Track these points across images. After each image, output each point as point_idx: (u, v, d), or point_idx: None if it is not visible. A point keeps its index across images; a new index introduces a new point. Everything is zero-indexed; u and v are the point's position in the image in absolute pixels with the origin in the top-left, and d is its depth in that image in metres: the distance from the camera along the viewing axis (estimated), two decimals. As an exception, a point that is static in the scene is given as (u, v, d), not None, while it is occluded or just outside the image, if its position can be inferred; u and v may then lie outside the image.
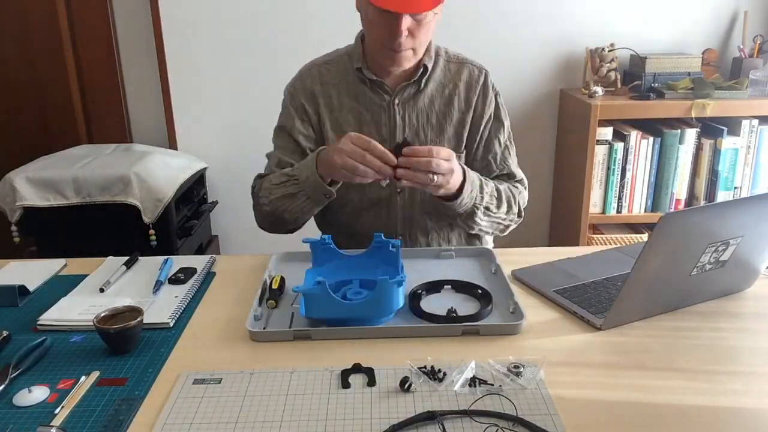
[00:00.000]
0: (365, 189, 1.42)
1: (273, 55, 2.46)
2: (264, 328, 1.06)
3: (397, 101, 1.41)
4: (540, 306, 1.14)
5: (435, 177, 1.20)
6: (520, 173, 1.51)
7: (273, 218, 1.40)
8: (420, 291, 1.16)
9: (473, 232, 1.44)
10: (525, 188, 1.51)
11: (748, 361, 0.96)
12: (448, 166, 1.21)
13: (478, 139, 1.46)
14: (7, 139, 2.56)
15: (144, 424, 0.84)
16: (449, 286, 1.20)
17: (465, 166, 1.32)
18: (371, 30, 1.34)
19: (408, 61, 1.34)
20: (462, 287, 1.19)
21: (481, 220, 1.37)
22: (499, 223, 1.43)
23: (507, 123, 1.49)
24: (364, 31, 1.39)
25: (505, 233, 1.48)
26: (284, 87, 1.50)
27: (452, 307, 1.10)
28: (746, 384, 0.90)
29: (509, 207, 1.42)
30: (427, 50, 1.40)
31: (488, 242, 1.58)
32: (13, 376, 0.94)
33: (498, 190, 1.39)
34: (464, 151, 1.46)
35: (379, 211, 1.45)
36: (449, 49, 1.49)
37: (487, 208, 1.37)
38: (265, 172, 1.47)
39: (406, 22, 1.25)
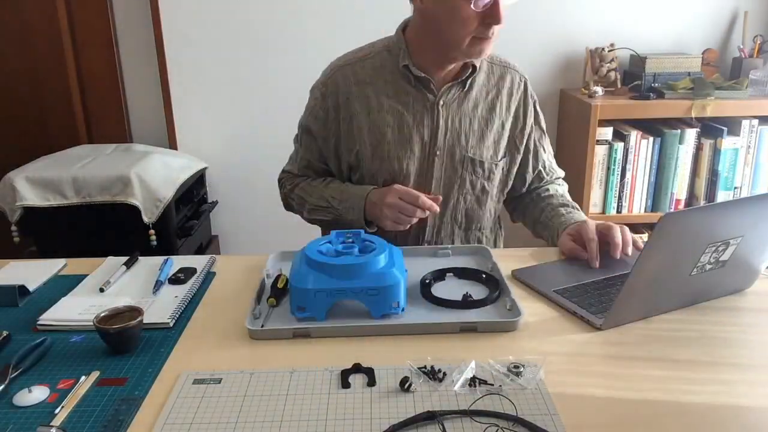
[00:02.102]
0: (396, 172, 1.41)
1: (273, 54, 2.46)
2: (262, 326, 1.05)
3: (441, 102, 1.37)
4: (540, 306, 1.14)
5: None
6: (560, 171, 1.57)
7: (302, 213, 1.49)
8: (429, 279, 1.18)
9: None
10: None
11: (748, 361, 0.96)
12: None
13: (523, 149, 1.47)
14: (7, 139, 2.56)
15: (144, 424, 0.84)
16: (451, 274, 1.22)
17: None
18: (458, 23, 1.24)
19: (490, 50, 1.31)
20: (465, 274, 1.22)
21: None
22: None
23: (544, 127, 1.51)
24: (437, 27, 1.28)
25: None
26: (310, 86, 1.45)
27: (467, 292, 1.12)
28: (747, 384, 0.90)
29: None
30: None
31: (499, 244, 1.62)
32: (13, 376, 0.94)
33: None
34: (503, 161, 1.45)
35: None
36: (493, 55, 1.45)
37: None
38: (293, 171, 1.50)
39: (505, 5, 1.23)
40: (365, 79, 1.38)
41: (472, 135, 1.40)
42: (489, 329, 1.03)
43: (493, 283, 1.17)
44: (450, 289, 1.16)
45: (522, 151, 1.47)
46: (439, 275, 1.21)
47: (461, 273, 1.23)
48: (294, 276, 1.07)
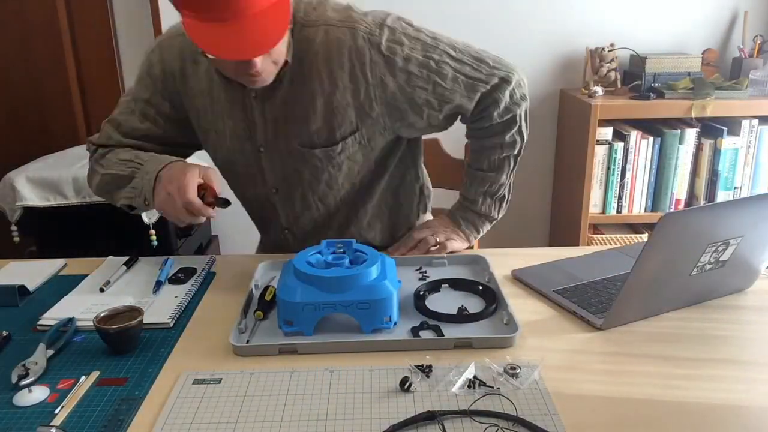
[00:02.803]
0: (232, 162, 1.32)
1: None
2: (248, 342, 1.01)
3: (253, 93, 1.20)
4: (540, 306, 1.14)
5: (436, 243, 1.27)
6: (495, 72, 1.25)
7: (98, 191, 1.32)
8: (423, 291, 1.16)
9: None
10: (510, 83, 1.28)
11: (749, 361, 0.96)
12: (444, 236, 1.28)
13: (385, 116, 1.21)
14: (7, 139, 2.56)
15: (144, 424, 0.84)
16: (447, 285, 1.19)
17: (453, 215, 1.35)
18: (216, 62, 1.12)
19: (271, 75, 1.13)
20: (460, 285, 1.19)
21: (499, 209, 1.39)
22: (510, 163, 1.36)
23: (437, 54, 1.19)
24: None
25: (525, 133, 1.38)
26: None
27: (462, 305, 1.10)
28: (747, 384, 0.90)
29: (508, 169, 1.36)
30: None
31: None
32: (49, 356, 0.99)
33: (490, 185, 1.35)
34: (340, 143, 1.23)
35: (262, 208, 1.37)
36: (312, 1, 1.19)
37: (492, 214, 1.38)
38: (101, 140, 1.32)
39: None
40: (196, 57, 1.23)
41: (294, 122, 1.21)
42: (484, 345, 0.99)
43: (490, 295, 1.13)
44: (445, 301, 1.13)
45: (392, 113, 1.22)
46: (434, 287, 1.18)
47: (457, 285, 1.19)
48: (281, 288, 1.02)
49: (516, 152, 1.36)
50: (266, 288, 1.15)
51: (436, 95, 1.21)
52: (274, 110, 1.22)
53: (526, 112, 1.35)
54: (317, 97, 1.19)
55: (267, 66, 1.10)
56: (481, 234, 1.39)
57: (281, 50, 1.11)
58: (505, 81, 1.27)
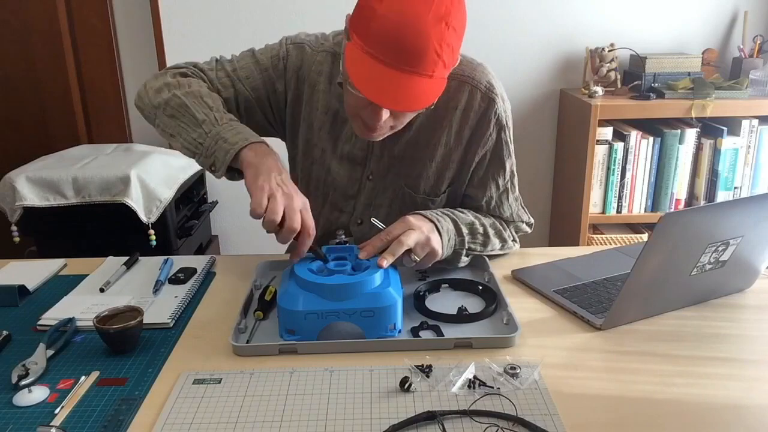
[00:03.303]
0: (328, 184, 1.30)
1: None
2: (248, 342, 1.02)
3: None
4: (540, 306, 1.14)
5: (412, 256, 1.09)
6: (523, 216, 1.36)
7: (154, 112, 1.21)
8: (423, 291, 1.15)
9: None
10: (524, 228, 1.36)
11: (749, 361, 0.96)
12: (415, 239, 1.09)
13: (468, 179, 1.28)
14: (7, 139, 2.56)
15: (144, 424, 0.84)
16: (447, 285, 1.19)
17: (437, 220, 1.17)
18: (348, 93, 1.11)
19: (383, 135, 1.15)
20: (460, 285, 1.19)
21: (465, 258, 1.24)
22: (489, 255, 1.29)
23: (510, 163, 1.28)
24: (343, 89, 1.14)
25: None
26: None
27: (462, 305, 1.10)
28: (748, 382, 0.90)
29: (502, 240, 1.29)
30: None
31: None
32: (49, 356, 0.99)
33: (479, 230, 1.25)
34: (445, 193, 1.29)
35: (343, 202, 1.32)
36: (459, 55, 1.18)
37: (469, 251, 1.24)
38: (205, 70, 1.28)
39: (385, 114, 1.07)
40: (320, 70, 1.25)
41: (410, 165, 1.26)
42: (484, 345, 0.99)
43: (490, 295, 1.14)
44: (445, 301, 1.13)
45: (467, 181, 1.28)
46: (434, 287, 1.18)
47: (457, 284, 1.19)
48: (283, 297, 1.00)
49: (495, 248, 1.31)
50: (266, 288, 1.15)
51: (500, 188, 1.30)
52: (395, 147, 1.26)
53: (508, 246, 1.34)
54: (439, 147, 1.25)
55: (386, 127, 1.12)
56: (445, 251, 1.18)
57: (404, 120, 1.14)
58: (518, 231, 1.37)
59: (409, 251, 1.09)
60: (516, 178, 1.33)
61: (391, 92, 1.01)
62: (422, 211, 1.19)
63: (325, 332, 1.00)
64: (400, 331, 1.03)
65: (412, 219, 1.13)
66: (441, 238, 1.15)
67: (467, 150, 1.26)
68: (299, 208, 1.04)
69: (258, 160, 1.07)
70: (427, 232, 1.12)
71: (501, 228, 1.31)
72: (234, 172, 1.12)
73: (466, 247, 1.22)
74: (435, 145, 1.25)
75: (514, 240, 1.35)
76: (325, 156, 1.30)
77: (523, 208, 1.37)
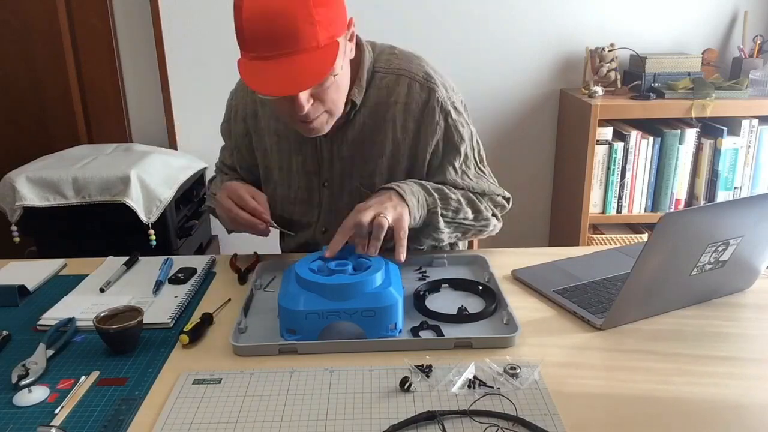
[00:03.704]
0: (290, 200, 1.35)
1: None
2: (251, 340, 1.02)
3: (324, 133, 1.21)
4: (540, 306, 1.14)
5: (382, 222, 1.07)
6: (494, 190, 1.34)
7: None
8: (423, 291, 1.15)
9: (442, 243, 1.31)
10: (500, 201, 1.34)
11: (749, 360, 0.96)
12: (373, 210, 1.09)
13: (426, 170, 1.28)
14: (7, 139, 2.56)
15: (144, 424, 0.84)
16: (447, 285, 1.19)
17: (397, 186, 1.17)
18: (272, 106, 1.17)
19: (327, 124, 1.16)
20: (460, 285, 1.19)
21: (445, 228, 1.25)
22: (467, 228, 1.29)
23: (464, 146, 1.28)
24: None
25: (483, 236, 1.36)
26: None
27: (462, 305, 1.10)
28: (747, 383, 0.90)
29: (475, 211, 1.28)
30: (358, 79, 1.21)
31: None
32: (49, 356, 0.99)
33: (452, 196, 1.24)
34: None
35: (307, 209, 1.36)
36: (395, 50, 1.27)
37: (444, 215, 1.23)
38: (226, 162, 1.47)
39: (305, 93, 1.07)
40: (253, 98, 1.33)
41: (361, 164, 1.28)
42: (484, 345, 0.99)
43: (490, 295, 1.14)
44: (445, 301, 1.13)
45: (425, 169, 1.29)
46: (434, 287, 1.18)
47: (457, 284, 1.19)
48: (283, 296, 1.01)
49: (475, 225, 1.31)
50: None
51: (457, 172, 1.29)
52: (343, 149, 1.28)
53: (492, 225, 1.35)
54: (387, 143, 1.26)
55: (318, 113, 1.12)
56: (418, 212, 1.18)
57: (333, 99, 1.13)
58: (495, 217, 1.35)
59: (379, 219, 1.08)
60: (474, 157, 1.32)
61: (283, 80, 1.03)
62: (394, 184, 1.19)
63: (326, 332, 1.00)
64: (400, 331, 1.03)
65: (362, 203, 1.13)
66: (405, 199, 1.14)
67: (417, 141, 1.26)
68: (228, 196, 1.24)
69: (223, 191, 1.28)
70: (385, 200, 1.13)
71: (473, 198, 1.29)
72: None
73: (440, 211, 1.21)
74: (382, 141, 1.26)
75: (494, 215, 1.32)
76: (282, 173, 1.35)
77: (492, 183, 1.35)
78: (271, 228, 1.26)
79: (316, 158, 1.30)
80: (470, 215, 1.28)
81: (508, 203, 1.38)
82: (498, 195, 1.35)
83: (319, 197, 1.34)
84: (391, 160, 1.28)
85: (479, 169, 1.34)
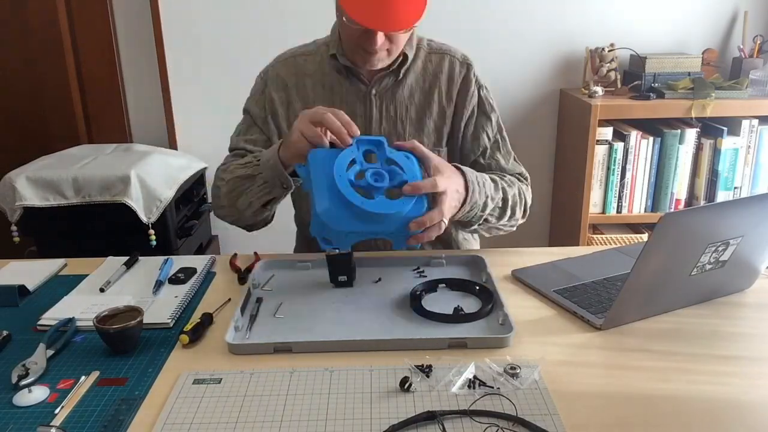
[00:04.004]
0: None
1: (274, 54, 2.46)
2: (247, 339, 1.02)
3: (374, 91, 1.37)
4: (540, 306, 1.14)
5: (441, 226, 1.11)
6: (518, 168, 1.44)
7: (228, 201, 1.31)
8: (419, 291, 1.15)
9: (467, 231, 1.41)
10: (527, 184, 1.42)
11: (749, 360, 0.96)
12: (449, 213, 1.13)
13: (461, 135, 1.42)
14: (7, 139, 2.56)
15: (144, 424, 0.84)
16: (444, 285, 1.19)
17: (464, 169, 1.21)
18: (345, 29, 1.27)
19: (382, 62, 1.30)
20: (457, 285, 1.19)
21: (477, 230, 1.34)
22: (498, 229, 1.36)
23: (495, 117, 1.43)
24: (338, 26, 1.34)
25: (521, 221, 1.40)
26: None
27: (459, 306, 1.10)
28: (747, 383, 0.90)
29: (512, 213, 1.33)
30: (409, 39, 1.34)
31: (473, 242, 1.56)
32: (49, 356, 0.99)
33: (505, 197, 1.30)
34: (445, 148, 1.42)
35: None
36: (433, 40, 1.44)
37: (486, 220, 1.29)
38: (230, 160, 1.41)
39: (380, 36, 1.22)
40: (305, 71, 1.40)
41: (409, 123, 1.39)
42: (479, 345, 0.99)
43: (486, 295, 1.14)
44: (441, 301, 1.13)
45: (461, 137, 1.42)
46: (431, 287, 1.18)
47: (454, 284, 1.19)
48: (325, 212, 1.02)
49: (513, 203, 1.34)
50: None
51: (491, 139, 1.43)
52: (391, 108, 1.39)
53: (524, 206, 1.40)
54: (434, 106, 1.40)
55: (384, 49, 1.26)
56: (473, 205, 1.22)
57: (399, 41, 1.28)
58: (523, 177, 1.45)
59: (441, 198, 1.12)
60: (504, 132, 1.45)
61: (379, 15, 1.17)
62: (466, 172, 1.22)
63: (359, 244, 1.08)
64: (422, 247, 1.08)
65: (448, 178, 1.15)
66: (464, 204, 1.20)
67: (458, 107, 1.41)
68: (313, 113, 1.14)
69: (286, 139, 1.21)
70: (455, 200, 1.17)
71: (518, 197, 1.35)
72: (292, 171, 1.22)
73: (482, 223, 1.29)
74: (429, 104, 1.40)
75: (525, 214, 1.39)
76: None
77: (516, 161, 1.46)
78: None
79: (365, 116, 1.38)
80: (510, 194, 1.33)
81: (527, 182, 1.43)
82: (519, 174, 1.43)
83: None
84: (438, 121, 1.41)
85: (510, 148, 1.46)
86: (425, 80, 1.40)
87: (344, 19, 1.23)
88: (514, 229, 1.40)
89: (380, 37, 1.22)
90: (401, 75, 1.37)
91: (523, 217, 1.39)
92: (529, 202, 1.40)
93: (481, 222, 1.28)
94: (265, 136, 1.41)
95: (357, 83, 1.37)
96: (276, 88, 1.41)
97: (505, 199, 1.30)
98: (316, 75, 1.39)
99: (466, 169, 1.22)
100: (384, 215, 1.04)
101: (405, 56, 1.35)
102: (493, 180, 1.30)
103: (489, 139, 1.42)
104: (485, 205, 1.24)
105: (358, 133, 1.13)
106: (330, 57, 1.36)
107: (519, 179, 1.41)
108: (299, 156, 1.14)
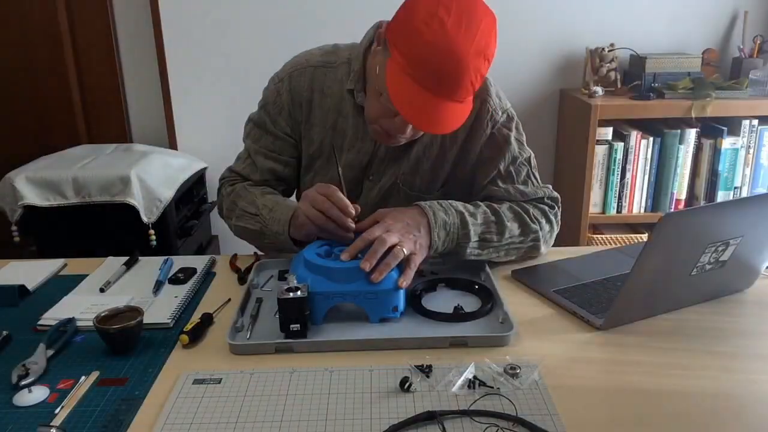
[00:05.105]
0: (331, 179, 1.30)
1: (274, 54, 2.45)
2: (248, 339, 1.02)
3: None
4: (540, 306, 1.14)
5: (398, 254, 1.06)
6: (538, 192, 1.31)
7: (235, 231, 1.34)
8: (419, 290, 1.15)
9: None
10: (548, 205, 1.31)
11: (750, 359, 0.96)
12: (397, 239, 1.08)
13: (470, 175, 1.32)
14: (7, 139, 2.56)
15: (144, 424, 0.84)
16: (443, 284, 1.19)
17: (428, 208, 1.16)
18: (375, 102, 1.18)
19: (399, 144, 1.24)
20: (457, 284, 1.19)
21: (480, 255, 1.21)
22: (516, 248, 1.25)
23: (511, 149, 1.30)
24: (368, 88, 1.23)
25: (544, 249, 1.30)
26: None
27: (459, 304, 1.10)
28: (748, 382, 0.90)
29: (523, 226, 1.23)
30: None
31: None
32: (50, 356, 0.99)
33: (496, 215, 1.22)
34: (441, 190, 1.35)
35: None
36: None
37: (484, 240, 1.20)
38: (238, 170, 1.38)
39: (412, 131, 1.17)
40: (323, 88, 1.31)
41: (406, 162, 1.32)
42: (480, 344, 0.99)
43: (486, 294, 1.13)
44: (441, 300, 1.13)
45: (471, 169, 1.32)
46: (431, 286, 1.17)
47: (453, 283, 1.19)
48: (298, 277, 1.04)
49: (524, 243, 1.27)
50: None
51: (503, 173, 1.31)
52: (398, 149, 1.31)
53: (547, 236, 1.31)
54: (435, 146, 1.32)
55: (408, 136, 1.20)
56: (440, 250, 1.17)
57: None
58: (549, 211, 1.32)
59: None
60: (526, 164, 1.31)
61: (426, 115, 1.09)
62: (422, 203, 1.18)
63: (331, 315, 1.05)
64: (402, 313, 1.06)
65: (391, 215, 1.13)
66: (431, 233, 1.14)
67: (464, 148, 1.32)
68: (314, 200, 1.13)
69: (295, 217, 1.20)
70: (412, 228, 1.12)
71: (519, 210, 1.25)
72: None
73: (469, 246, 1.19)
74: (431, 143, 1.31)
75: (548, 221, 1.28)
76: (328, 166, 1.35)
77: (542, 187, 1.33)
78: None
79: (370, 155, 1.33)
80: (516, 231, 1.23)
81: (557, 204, 1.33)
82: (545, 197, 1.32)
83: (360, 190, 1.37)
84: (435, 163, 1.33)
85: (532, 175, 1.32)
86: None
87: (382, 97, 1.14)
88: (547, 241, 1.29)
89: (410, 129, 1.17)
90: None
91: (550, 227, 1.29)
92: (554, 218, 1.30)
93: (482, 241, 1.20)
94: (284, 142, 1.35)
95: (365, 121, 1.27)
96: (292, 100, 1.33)
97: (496, 213, 1.22)
98: (335, 97, 1.30)
99: (422, 203, 1.18)
100: (346, 271, 1.03)
101: None
102: (471, 204, 1.23)
103: (501, 174, 1.30)
104: (464, 222, 1.17)
105: (357, 212, 1.12)
106: (347, 90, 1.28)
107: (534, 204, 1.29)
108: (309, 235, 1.17)
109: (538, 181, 1.34)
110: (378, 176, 1.35)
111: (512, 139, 1.31)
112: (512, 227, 1.23)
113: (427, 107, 1.08)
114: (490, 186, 1.31)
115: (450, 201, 1.21)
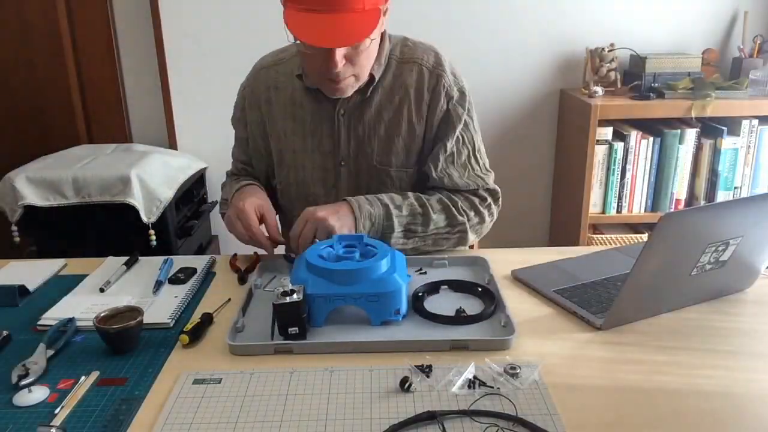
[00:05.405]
0: (306, 182, 1.39)
1: (273, 55, 2.46)
2: (247, 339, 1.02)
3: (342, 111, 1.32)
4: (540, 306, 1.14)
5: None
6: (475, 183, 1.35)
7: None
8: (421, 293, 1.15)
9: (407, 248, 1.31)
10: (486, 198, 1.36)
11: (750, 358, 0.96)
12: (322, 222, 1.18)
13: (432, 150, 1.35)
14: (7, 139, 2.56)
15: (144, 424, 0.84)
16: (446, 287, 1.19)
17: (353, 200, 1.25)
18: (304, 59, 1.24)
19: (351, 87, 1.25)
20: (460, 286, 1.18)
21: (406, 244, 1.29)
22: (444, 238, 1.32)
23: (459, 128, 1.33)
24: (299, 57, 1.30)
25: (472, 238, 1.35)
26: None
27: (461, 307, 1.10)
28: (747, 384, 0.90)
29: (450, 218, 1.30)
30: (378, 56, 1.28)
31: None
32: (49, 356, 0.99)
33: (423, 207, 1.28)
34: (413, 168, 1.36)
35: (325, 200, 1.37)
36: (408, 43, 1.35)
37: (409, 230, 1.28)
38: (232, 170, 1.53)
39: (341, 51, 1.16)
40: (278, 84, 1.37)
41: (377, 143, 1.33)
42: (481, 347, 0.98)
43: (489, 296, 1.13)
44: (444, 303, 1.13)
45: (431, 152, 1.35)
46: (433, 288, 1.17)
47: (456, 286, 1.19)
48: (293, 280, 1.04)
49: (452, 232, 1.34)
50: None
51: (447, 151, 1.35)
52: (359, 128, 1.34)
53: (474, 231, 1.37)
54: (403, 123, 1.33)
55: (347, 74, 1.21)
56: (364, 224, 1.24)
57: (363, 64, 1.23)
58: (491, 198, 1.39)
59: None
60: (469, 146, 1.36)
61: (329, 33, 1.12)
62: (349, 198, 1.27)
63: (333, 317, 1.04)
64: (404, 316, 1.06)
65: (319, 209, 1.22)
66: (356, 222, 1.23)
67: (428, 124, 1.34)
68: (237, 216, 1.25)
69: (233, 203, 1.32)
70: (338, 209, 1.22)
71: (448, 203, 1.31)
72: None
73: (401, 229, 1.28)
74: (398, 121, 1.33)
75: (477, 213, 1.34)
76: (296, 156, 1.39)
77: (478, 175, 1.37)
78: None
79: (333, 137, 1.34)
80: (441, 223, 1.31)
81: (493, 196, 1.38)
82: (480, 188, 1.37)
83: (335, 177, 1.38)
84: (407, 139, 1.34)
85: (473, 157, 1.37)
86: (394, 94, 1.32)
87: (296, 43, 1.19)
88: (470, 237, 1.34)
89: (339, 59, 1.16)
90: (368, 93, 1.30)
91: (480, 221, 1.34)
92: (483, 210, 1.34)
93: (406, 231, 1.28)
94: (255, 143, 1.45)
95: (324, 102, 1.32)
96: (251, 106, 1.42)
97: (423, 205, 1.28)
98: (287, 89, 1.36)
99: (349, 197, 1.27)
100: (348, 273, 1.03)
101: (372, 77, 1.28)
102: (400, 195, 1.31)
103: (446, 151, 1.33)
104: (389, 214, 1.26)
105: (277, 239, 1.27)
106: (296, 76, 1.33)
107: (465, 196, 1.34)
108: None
109: (479, 167, 1.38)
110: (349, 160, 1.36)
111: (463, 118, 1.34)
112: (438, 219, 1.30)
113: (319, 24, 1.12)
114: (430, 162, 1.34)
115: (378, 195, 1.29)
